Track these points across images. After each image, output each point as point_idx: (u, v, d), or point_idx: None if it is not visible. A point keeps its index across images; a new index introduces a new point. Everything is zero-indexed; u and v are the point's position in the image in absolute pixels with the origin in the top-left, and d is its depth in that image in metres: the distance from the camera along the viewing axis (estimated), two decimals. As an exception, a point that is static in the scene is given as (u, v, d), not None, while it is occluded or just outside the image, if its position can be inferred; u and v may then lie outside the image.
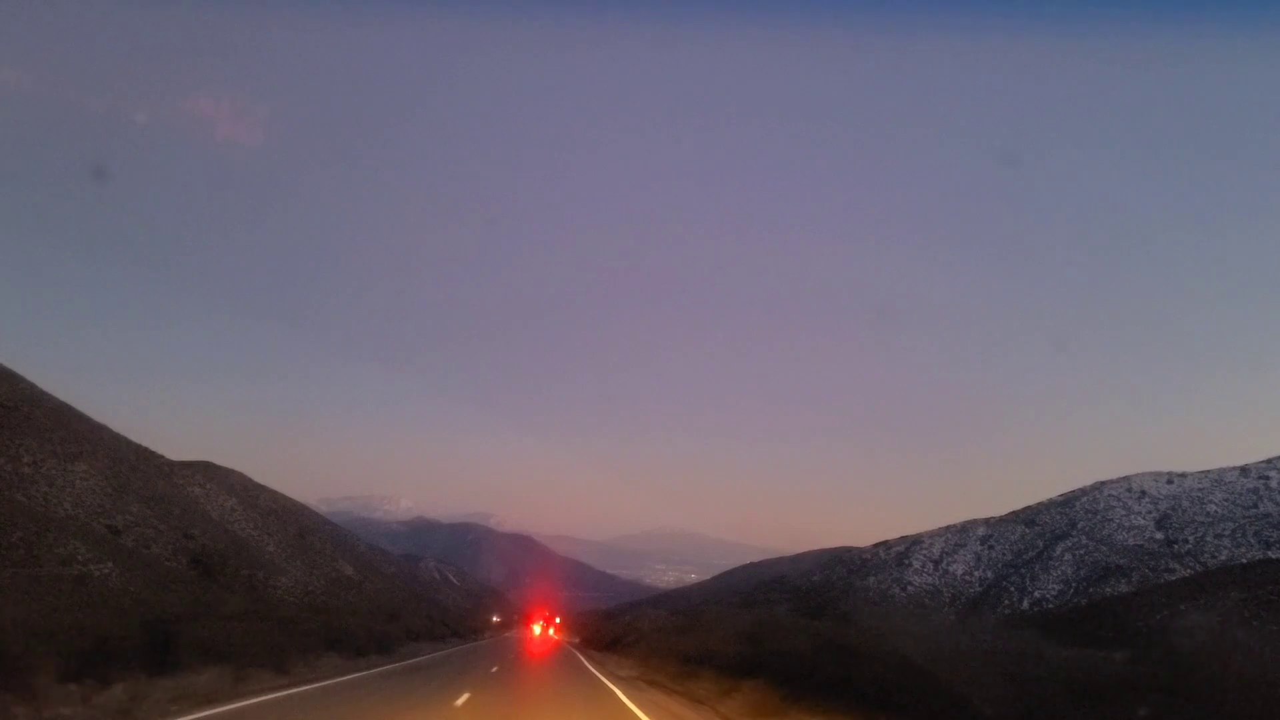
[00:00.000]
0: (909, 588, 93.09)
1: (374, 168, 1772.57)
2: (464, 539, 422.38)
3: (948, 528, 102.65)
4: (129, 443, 70.72)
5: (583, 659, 46.90)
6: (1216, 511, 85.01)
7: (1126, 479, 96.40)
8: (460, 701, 17.72)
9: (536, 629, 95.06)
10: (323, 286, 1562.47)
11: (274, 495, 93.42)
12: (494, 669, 27.27)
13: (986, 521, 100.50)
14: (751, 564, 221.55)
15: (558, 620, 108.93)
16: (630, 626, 67.85)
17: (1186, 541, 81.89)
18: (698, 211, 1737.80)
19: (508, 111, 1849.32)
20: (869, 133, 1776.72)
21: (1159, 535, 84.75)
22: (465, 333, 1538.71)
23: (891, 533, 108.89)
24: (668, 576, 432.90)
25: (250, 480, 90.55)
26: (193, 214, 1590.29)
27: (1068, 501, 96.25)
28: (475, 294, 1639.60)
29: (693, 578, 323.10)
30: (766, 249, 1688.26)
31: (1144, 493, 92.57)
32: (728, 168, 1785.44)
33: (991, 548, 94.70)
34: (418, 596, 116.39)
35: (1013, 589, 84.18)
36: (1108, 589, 74.92)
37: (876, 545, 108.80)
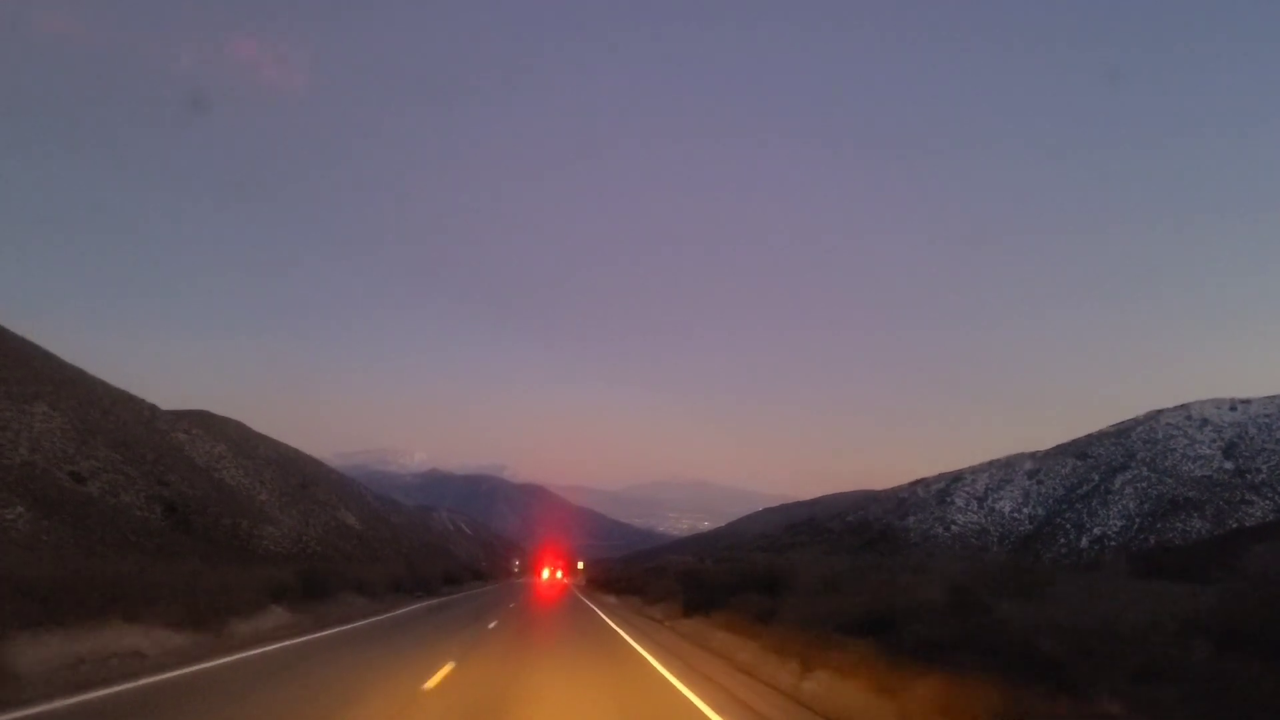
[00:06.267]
0: (953, 527, 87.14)
1: (411, 116, 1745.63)
2: (478, 490, 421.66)
3: (991, 462, 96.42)
4: (105, 386, 64.64)
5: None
6: (1289, 438, 78.49)
7: (1185, 407, 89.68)
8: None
9: (545, 574, 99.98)
10: (347, 246, 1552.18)
11: (275, 445, 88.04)
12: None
13: (1033, 455, 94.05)
14: (766, 510, 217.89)
15: (580, 565, 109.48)
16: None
17: (1260, 471, 75.53)
18: (707, 166, 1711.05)
19: (550, 63, 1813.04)
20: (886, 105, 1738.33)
21: (1228, 465, 78.35)
22: (482, 289, 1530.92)
23: (910, 475, 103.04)
24: (681, 524, 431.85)
25: (249, 430, 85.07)
26: (214, 164, 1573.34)
27: (1122, 432, 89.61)
28: (492, 249, 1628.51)
29: (706, 525, 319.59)
30: (785, 200, 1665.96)
31: (1206, 420, 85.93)
32: (747, 133, 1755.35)
33: (1041, 483, 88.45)
34: (428, 546, 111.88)
35: (1069, 525, 78.13)
36: (1178, 523, 68.87)
37: (914, 483, 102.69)
